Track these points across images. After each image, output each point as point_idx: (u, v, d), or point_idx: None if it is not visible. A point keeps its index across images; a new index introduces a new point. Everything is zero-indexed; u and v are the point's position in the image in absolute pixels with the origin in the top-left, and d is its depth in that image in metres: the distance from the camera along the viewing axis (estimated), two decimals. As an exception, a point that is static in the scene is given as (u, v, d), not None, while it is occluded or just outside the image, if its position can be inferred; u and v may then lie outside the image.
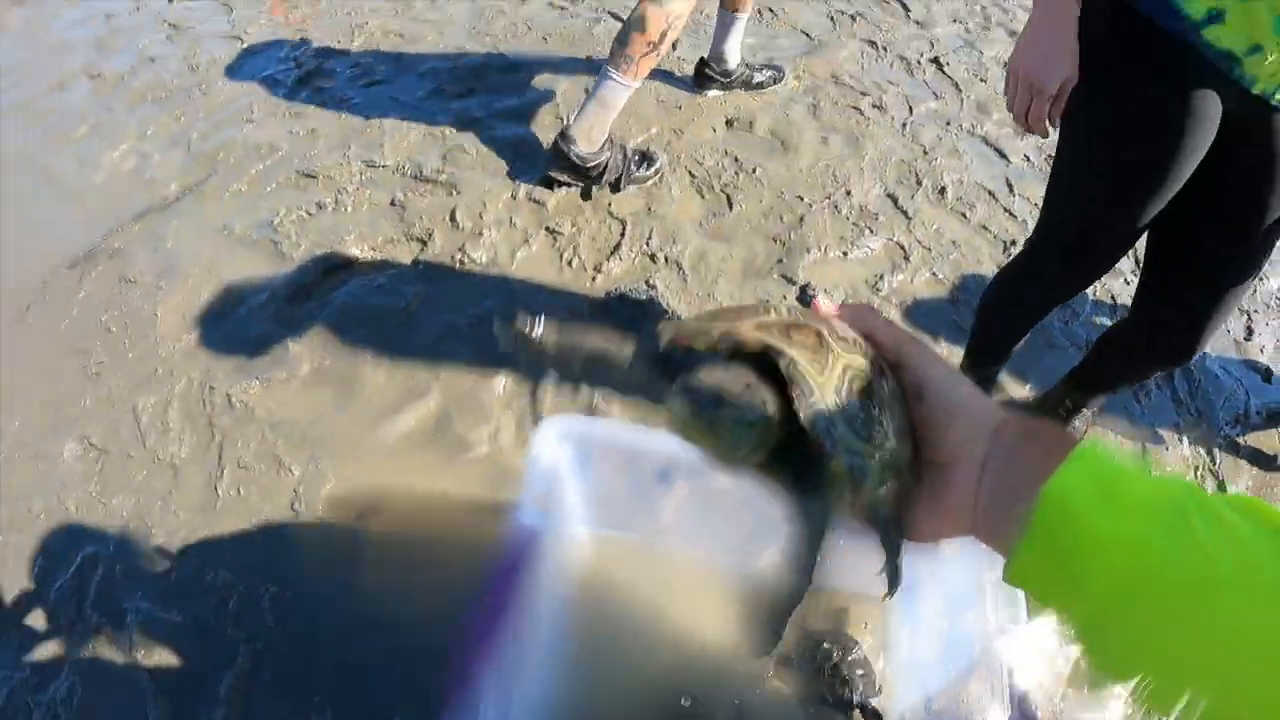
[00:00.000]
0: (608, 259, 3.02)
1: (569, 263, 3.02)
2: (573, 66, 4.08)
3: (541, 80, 3.99)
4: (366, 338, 2.74)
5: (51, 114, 4.04)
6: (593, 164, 3.10)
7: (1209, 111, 1.52)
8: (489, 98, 3.83)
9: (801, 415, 0.55)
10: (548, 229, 3.13)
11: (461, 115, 3.73)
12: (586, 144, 3.05)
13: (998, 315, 2.27)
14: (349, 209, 3.23)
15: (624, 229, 3.14)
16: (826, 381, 0.57)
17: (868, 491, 0.57)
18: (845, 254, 3.08)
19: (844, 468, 0.56)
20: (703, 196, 3.33)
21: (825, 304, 0.68)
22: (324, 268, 2.99)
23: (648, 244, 3.09)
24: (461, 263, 3.02)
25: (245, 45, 4.33)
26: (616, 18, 4.52)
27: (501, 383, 2.60)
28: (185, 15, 4.81)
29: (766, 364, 0.57)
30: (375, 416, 2.54)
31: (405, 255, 3.06)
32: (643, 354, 0.64)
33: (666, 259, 3.04)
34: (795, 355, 0.57)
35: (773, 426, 0.56)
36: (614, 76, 2.97)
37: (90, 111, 3.98)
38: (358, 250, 3.06)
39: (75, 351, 2.74)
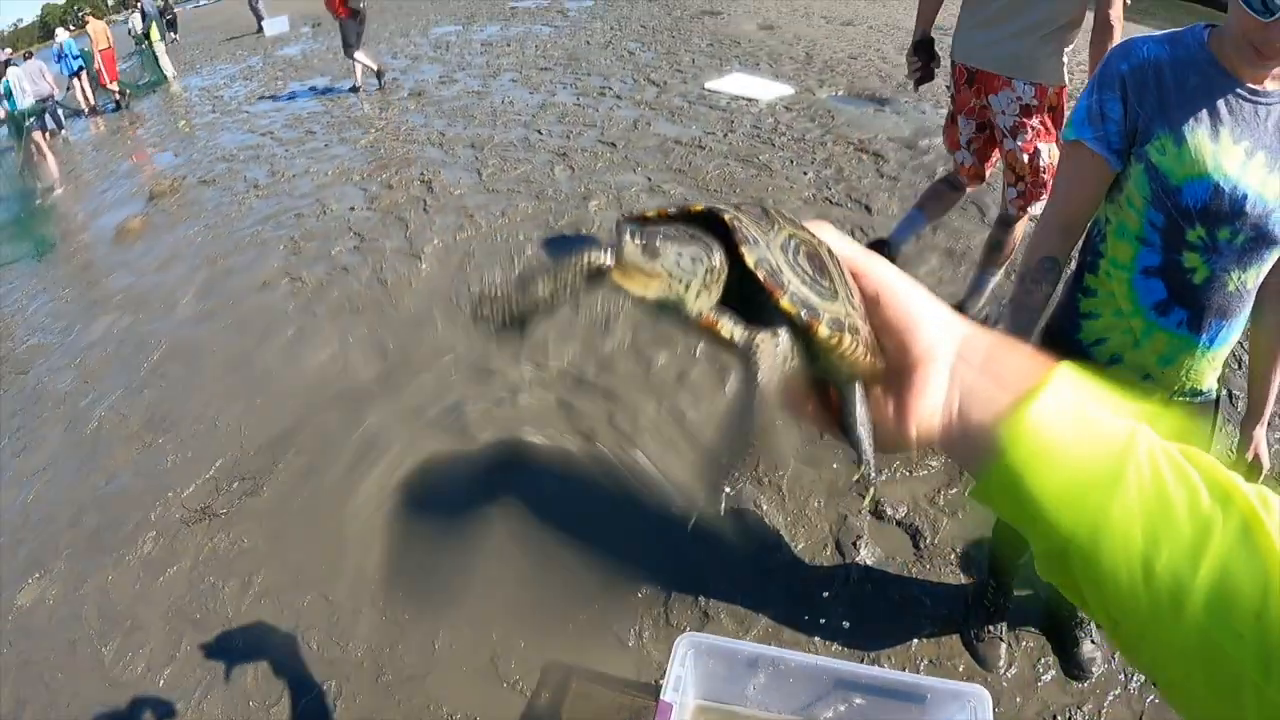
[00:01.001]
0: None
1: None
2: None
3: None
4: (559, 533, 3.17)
5: (259, 315, 4.78)
6: None
7: None
8: (629, 329, 4.38)
9: (747, 258, 0.55)
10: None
11: (608, 329, 4.32)
12: None
13: None
14: (524, 405, 3.76)
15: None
16: (772, 240, 0.58)
17: (820, 334, 0.57)
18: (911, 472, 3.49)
19: (792, 305, 0.55)
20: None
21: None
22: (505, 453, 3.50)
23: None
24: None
25: (423, 265, 5.03)
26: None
27: (643, 590, 2.99)
28: (366, 226, 5.65)
29: (715, 227, 0.57)
30: (549, 611, 2.93)
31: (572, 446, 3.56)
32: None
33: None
34: (740, 215, 0.57)
35: (717, 270, 0.55)
36: None
37: (295, 316, 4.70)
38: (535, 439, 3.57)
39: (310, 525, 3.24)
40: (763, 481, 3.34)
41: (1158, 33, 1.87)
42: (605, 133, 7.85)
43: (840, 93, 10.00)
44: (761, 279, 0.55)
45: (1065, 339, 2.06)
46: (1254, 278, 1.84)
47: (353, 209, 6.00)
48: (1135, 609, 0.51)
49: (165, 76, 15.18)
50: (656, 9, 16.70)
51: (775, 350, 0.57)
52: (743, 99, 9.22)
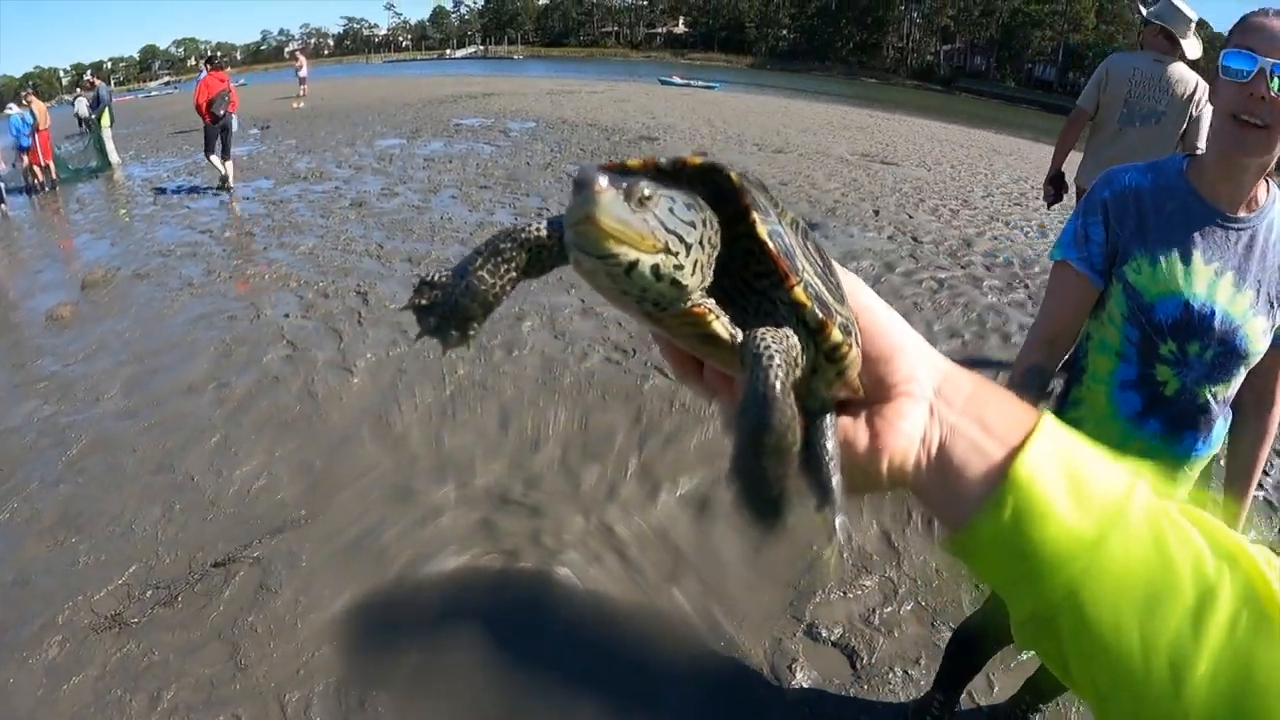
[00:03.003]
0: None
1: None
2: (628, 423, 4.78)
3: (601, 429, 4.68)
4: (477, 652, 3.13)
5: (185, 419, 4.71)
6: None
7: None
8: (562, 452, 4.43)
9: (759, 227, 0.46)
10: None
11: (537, 448, 4.38)
12: None
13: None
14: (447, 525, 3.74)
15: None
16: (781, 215, 0.50)
17: (832, 338, 0.49)
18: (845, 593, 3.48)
19: (807, 296, 0.47)
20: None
21: None
22: (430, 580, 3.45)
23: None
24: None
25: (355, 379, 5.06)
26: (662, 372, 5.37)
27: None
28: (300, 335, 5.66)
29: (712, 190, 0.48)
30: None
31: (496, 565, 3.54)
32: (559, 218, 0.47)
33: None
34: (748, 185, 0.48)
35: (715, 239, 0.46)
36: None
37: (221, 424, 4.64)
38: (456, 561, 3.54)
39: (224, 642, 3.16)
40: (697, 605, 3.35)
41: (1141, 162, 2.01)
42: (541, 254, 8.02)
43: (770, 219, 10.32)
44: (773, 255, 0.47)
45: None
46: (1224, 391, 1.96)
47: (287, 316, 6.02)
48: (1130, 681, 0.47)
49: (110, 163, 15.08)
50: (596, 134, 17.14)
51: (785, 347, 0.46)
52: (678, 225, 9.50)
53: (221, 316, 6.26)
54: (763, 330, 0.47)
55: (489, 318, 0.52)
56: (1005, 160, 22.64)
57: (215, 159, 11.73)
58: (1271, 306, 1.89)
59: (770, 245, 0.46)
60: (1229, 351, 1.89)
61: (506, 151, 14.06)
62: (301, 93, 26.56)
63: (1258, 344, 1.90)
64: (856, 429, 0.56)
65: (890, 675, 3.05)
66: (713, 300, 0.47)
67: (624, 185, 0.41)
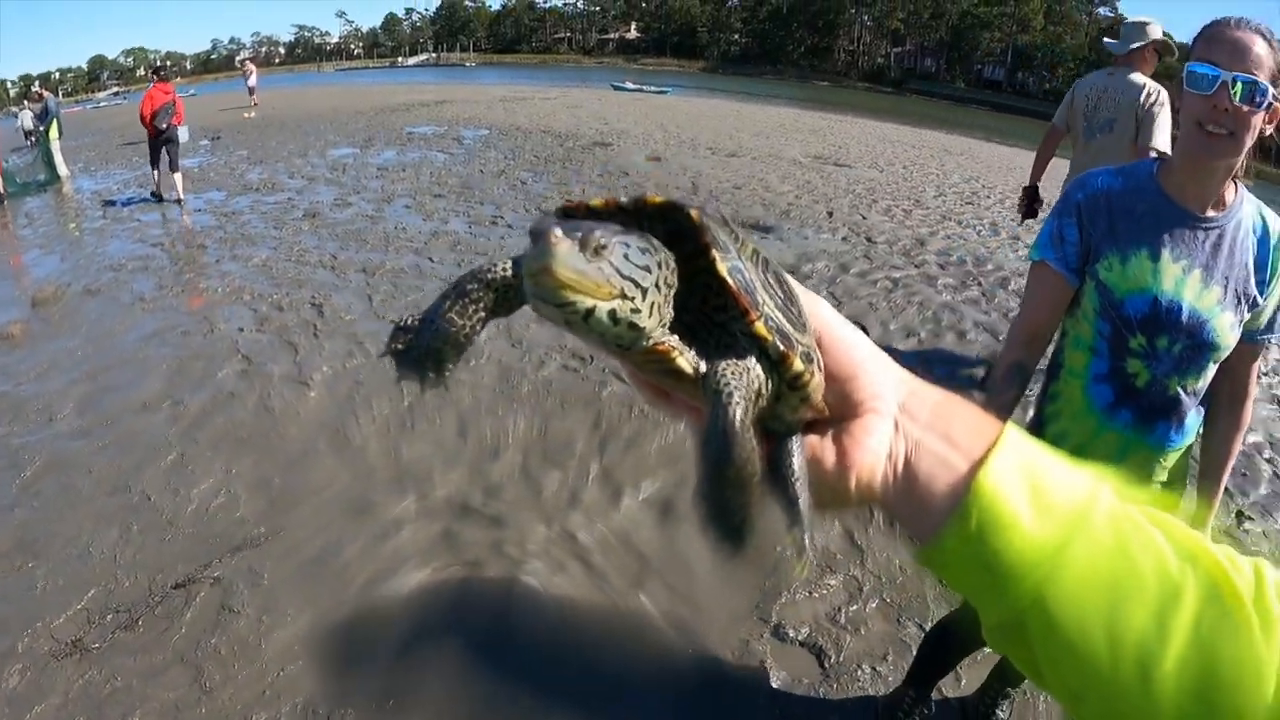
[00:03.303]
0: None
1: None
2: (588, 429, 4.80)
3: (560, 436, 4.68)
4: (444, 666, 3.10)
5: (140, 437, 4.63)
6: None
7: None
8: (523, 459, 4.42)
9: (719, 265, 0.47)
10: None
11: (496, 456, 4.35)
12: None
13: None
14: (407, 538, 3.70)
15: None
16: (742, 250, 0.51)
17: (793, 368, 0.50)
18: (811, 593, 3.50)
19: (767, 330, 0.48)
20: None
21: None
22: (394, 595, 3.41)
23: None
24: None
25: (311, 393, 5.00)
26: (620, 379, 5.38)
27: None
28: (255, 349, 5.59)
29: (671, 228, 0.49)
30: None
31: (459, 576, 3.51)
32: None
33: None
34: (708, 220, 0.49)
35: (671, 279, 0.47)
36: None
37: (176, 442, 4.56)
38: (419, 575, 3.50)
39: (188, 665, 3.10)
40: (663, 609, 3.35)
41: (1113, 167, 2.12)
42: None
43: (726, 221, 10.37)
44: (733, 292, 0.48)
45: (1035, 437, 2.25)
46: (1194, 384, 2.05)
47: (241, 330, 5.95)
48: (1098, 681, 0.48)
49: (59, 176, 14.79)
50: (550, 140, 17.12)
51: (746, 382, 0.48)
52: (632, 231, 9.50)
53: (174, 332, 6.17)
54: (724, 365, 0.48)
55: (462, 356, 0.53)
56: (956, 160, 22.89)
57: (157, 171, 11.70)
58: (1240, 302, 1.98)
59: (730, 282, 0.47)
60: (1197, 345, 1.98)
61: (460, 159, 14.01)
62: (252, 102, 26.28)
63: (1226, 338, 1.98)
64: (824, 447, 0.57)
65: (859, 673, 3.08)
66: (675, 336, 0.49)
67: (579, 235, 0.42)
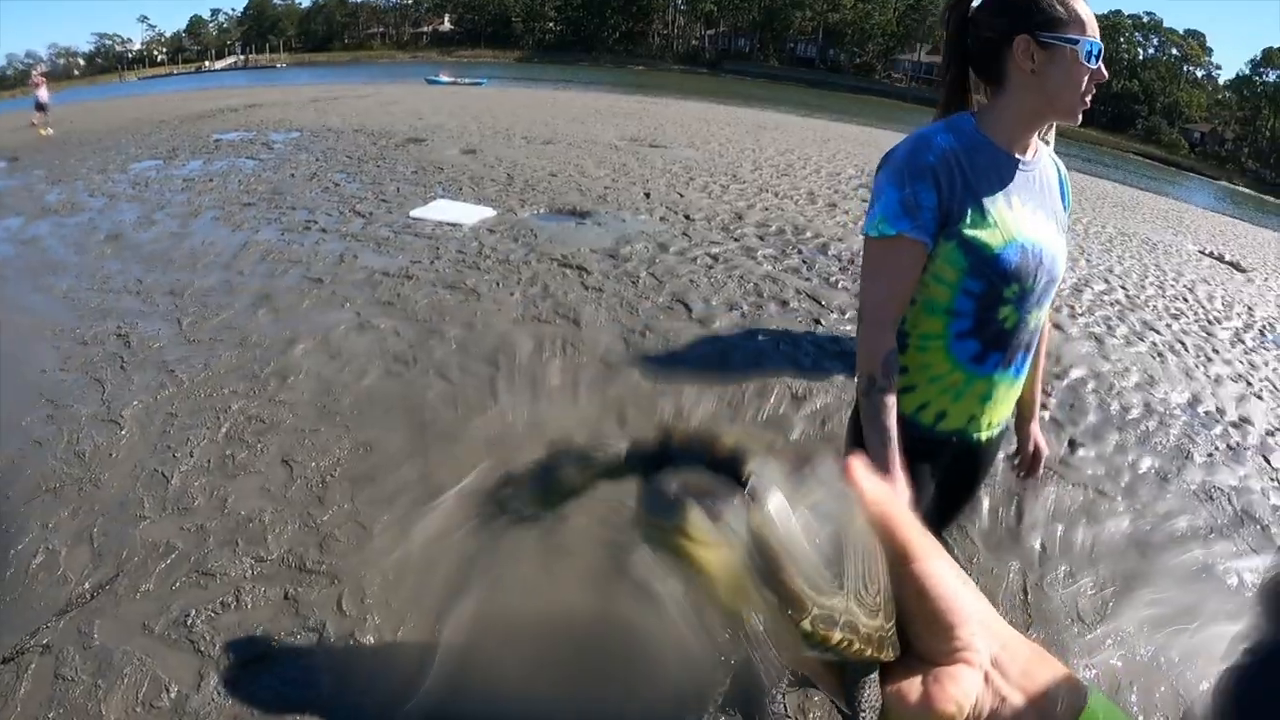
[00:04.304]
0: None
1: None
2: (417, 440, 4.69)
3: (386, 451, 4.54)
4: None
5: None
6: None
7: (932, 471, 2.36)
8: (349, 488, 4.24)
9: (754, 520, 0.49)
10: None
11: (323, 500, 4.12)
12: None
13: None
14: (249, 606, 3.44)
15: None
16: (797, 500, 0.52)
17: (802, 628, 0.52)
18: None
19: (799, 589, 0.50)
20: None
21: (859, 469, 0.61)
22: (242, 663, 3.18)
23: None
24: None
25: (123, 431, 4.67)
26: (444, 377, 5.35)
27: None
28: (59, 390, 5.21)
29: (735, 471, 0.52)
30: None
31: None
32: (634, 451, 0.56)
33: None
34: (766, 468, 0.52)
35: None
36: None
37: None
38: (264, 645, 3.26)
39: None
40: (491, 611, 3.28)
41: (931, 125, 2.13)
42: (311, 269, 7.74)
43: (542, 210, 10.37)
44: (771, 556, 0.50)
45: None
46: (1043, 313, 2.21)
47: (44, 371, 5.49)
48: None
49: None
50: (363, 139, 16.69)
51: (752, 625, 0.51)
52: (447, 224, 9.37)
53: (-32, 382, 5.68)
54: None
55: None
56: (772, 135, 23.45)
57: None
58: (1060, 230, 2.18)
59: (755, 537, 0.49)
60: (1051, 280, 2.13)
61: (270, 165, 13.39)
62: (43, 119, 24.47)
63: (1063, 266, 2.17)
64: (911, 686, 0.59)
65: None
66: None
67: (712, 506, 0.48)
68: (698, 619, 0.51)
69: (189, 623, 3.34)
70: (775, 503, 0.50)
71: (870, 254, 2.13)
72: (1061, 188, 2.25)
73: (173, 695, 3.02)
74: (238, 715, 2.96)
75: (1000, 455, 2.63)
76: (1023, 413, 2.62)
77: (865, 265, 2.15)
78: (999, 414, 2.33)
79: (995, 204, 2.03)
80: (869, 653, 0.56)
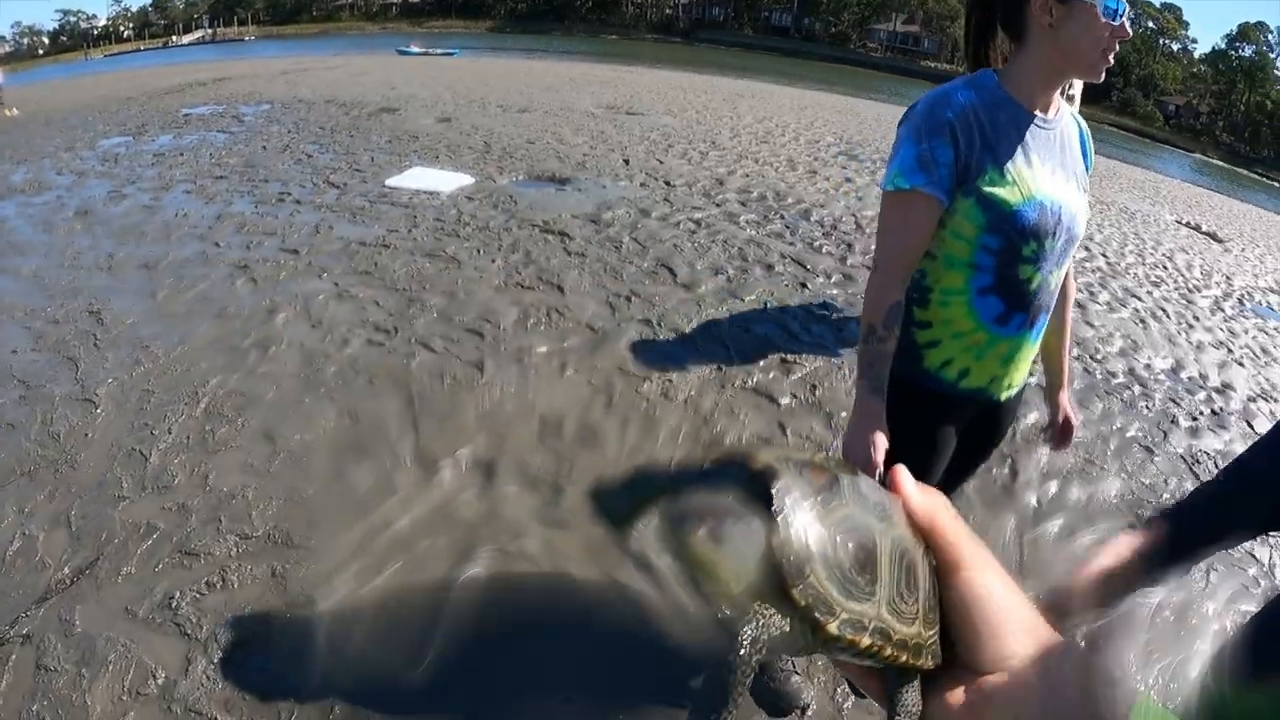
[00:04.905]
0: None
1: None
2: (400, 406, 4.60)
3: (372, 421, 4.43)
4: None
5: None
6: None
7: (955, 430, 2.35)
8: (335, 461, 4.12)
9: (774, 540, 0.51)
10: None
11: (312, 476, 4.00)
12: None
13: None
14: (235, 585, 3.32)
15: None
16: (827, 514, 0.55)
17: (828, 632, 0.53)
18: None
19: (802, 597, 0.52)
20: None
21: (904, 480, 0.64)
22: (230, 645, 3.05)
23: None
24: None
25: (99, 410, 4.51)
26: (428, 347, 5.22)
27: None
28: (31, 371, 5.05)
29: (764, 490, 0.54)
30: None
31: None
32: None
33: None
34: (801, 477, 0.55)
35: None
36: None
37: None
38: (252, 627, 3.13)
39: None
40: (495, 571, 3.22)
41: (954, 81, 2.12)
42: (286, 240, 7.55)
43: (521, 177, 10.23)
44: (782, 567, 0.52)
45: (911, 372, 2.23)
46: (1063, 273, 2.20)
47: (15, 352, 5.28)
48: None
49: None
50: (335, 109, 16.41)
51: (764, 625, 0.52)
52: (424, 193, 9.20)
53: (-62, 362, 5.48)
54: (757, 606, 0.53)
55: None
56: (749, 103, 23.36)
57: None
58: (1081, 190, 2.15)
59: (780, 558, 0.52)
60: (1070, 239, 2.11)
61: (241, 138, 13.08)
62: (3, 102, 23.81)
63: (1084, 226, 2.15)
64: (955, 693, 0.59)
65: None
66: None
67: (670, 538, 0.53)
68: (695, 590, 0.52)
69: (174, 605, 3.22)
70: (795, 519, 0.52)
71: (886, 207, 2.12)
72: (1084, 146, 2.23)
73: (160, 681, 2.91)
74: (228, 699, 2.86)
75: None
76: (1053, 381, 2.61)
77: (881, 218, 2.14)
78: (1019, 374, 2.31)
79: (1014, 161, 2.01)
80: (904, 659, 0.57)
